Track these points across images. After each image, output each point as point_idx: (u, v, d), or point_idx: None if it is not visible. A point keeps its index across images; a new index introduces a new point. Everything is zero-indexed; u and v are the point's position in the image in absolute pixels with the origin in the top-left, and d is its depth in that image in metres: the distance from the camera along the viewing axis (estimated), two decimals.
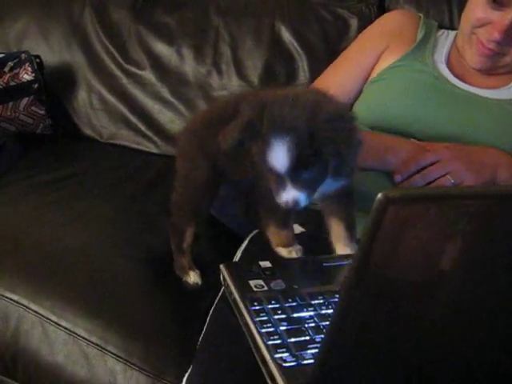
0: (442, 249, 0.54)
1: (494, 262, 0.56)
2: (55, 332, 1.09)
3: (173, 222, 1.09)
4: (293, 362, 0.70)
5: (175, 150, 1.12)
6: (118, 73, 1.72)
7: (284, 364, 0.70)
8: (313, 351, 0.72)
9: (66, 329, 1.08)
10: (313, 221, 1.02)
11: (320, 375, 0.60)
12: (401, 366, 0.62)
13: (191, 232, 1.09)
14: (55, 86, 1.74)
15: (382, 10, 1.56)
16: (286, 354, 0.71)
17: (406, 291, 0.56)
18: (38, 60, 1.66)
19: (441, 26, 1.39)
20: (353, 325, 0.57)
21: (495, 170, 1.07)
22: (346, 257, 0.95)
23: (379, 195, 0.48)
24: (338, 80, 1.32)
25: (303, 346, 0.73)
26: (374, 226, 0.49)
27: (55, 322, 1.09)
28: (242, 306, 0.80)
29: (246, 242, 1.13)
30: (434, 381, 0.64)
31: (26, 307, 1.12)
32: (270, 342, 0.73)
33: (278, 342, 0.73)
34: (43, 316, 1.10)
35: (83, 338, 1.07)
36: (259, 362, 0.73)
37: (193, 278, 1.09)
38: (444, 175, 1.05)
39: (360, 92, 1.31)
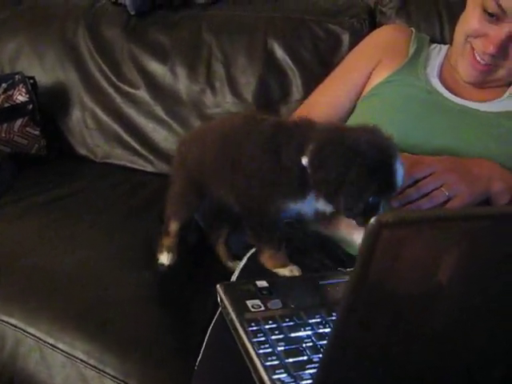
0: (437, 267, 0.54)
1: (488, 275, 0.56)
2: (53, 355, 1.09)
3: (166, 207, 1.13)
4: (291, 382, 0.70)
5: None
6: (111, 92, 1.72)
7: None
8: (311, 371, 0.72)
9: (64, 351, 1.08)
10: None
11: None
12: (401, 380, 0.62)
13: (175, 225, 1.12)
14: (49, 107, 1.74)
15: (374, 25, 1.57)
16: (283, 375, 0.71)
17: (403, 308, 0.56)
18: (31, 81, 1.67)
19: (432, 41, 1.40)
20: (351, 343, 0.57)
21: (489, 181, 1.07)
22: (342, 274, 0.95)
23: (372, 220, 0.48)
24: (329, 98, 1.31)
25: (301, 366, 0.73)
26: (368, 249, 0.49)
27: (52, 345, 1.09)
28: (239, 326, 0.79)
29: (244, 260, 1.12)
30: None
31: (23, 330, 1.11)
32: (268, 363, 0.72)
33: (276, 362, 0.73)
34: (40, 339, 1.10)
35: (81, 360, 1.07)
36: (257, 383, 0.73)
37: (164, 259, 1.12)
38: (438, 187, 1.05)
39: (352, 107, 1.31)
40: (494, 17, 1.14)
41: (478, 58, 1.19)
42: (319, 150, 0.87)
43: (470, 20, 1.19)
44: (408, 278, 0.54)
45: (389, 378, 0.61)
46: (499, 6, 1.12)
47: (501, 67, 1.20)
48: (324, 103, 1.31)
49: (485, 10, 1.15)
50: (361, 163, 0.84)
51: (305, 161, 0.88)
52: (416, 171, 1.07)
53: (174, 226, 1.12)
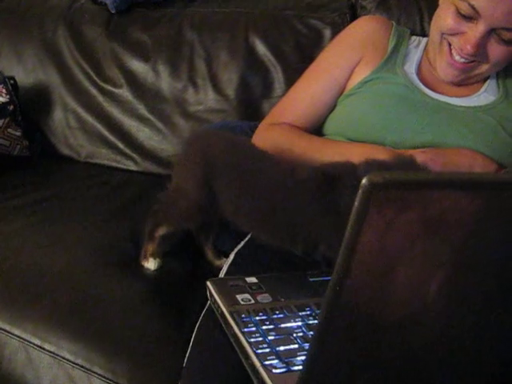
0: (434, 246, 0.50)
1: (486, 260, 0.54)
2: (39, 356, 1.07)
3: (155, 210, 1.10)
4: (283, 368, 0.70)
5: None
6: (93, 91, 1.72)
7: (274, 370, 0.70)
8: (302, 358, 0.72)
9: (50, 352, 1.06)
10: None
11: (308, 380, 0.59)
12: (386, 371, 0.61)
13: (163, 231, 1.11)
14: (31, 107, 1.73)
15: (355, 19, 1.56)
16: (275, 361, 0.71)
17: (393, 294, 0.54)
18: (12, 81, 1.65)
19: (413, 33, 1.40)
20: (338, 330, 0.55)
21: (471, 170, 1.08)
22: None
23: (363, 180, 0.42)
24: (311, 93, 1.30)
25: (292, 353, 0.73)
26: (359, 215, 0.44)
27: (39, 346, 1.07)
28: (229, 317, 0.80)
29: (231, 257, 1.12)
30: None
31: (8, 332, 1.09)
32: (260, 351, 0.73)
33: (267, 350, 0.73)
34: (26, 340, 1.08)
35: (68, 360, 1.05)
36: (249, 371, 0.73)
37: (149, 264, 1.13)
38: None
39: (333, 104, 1.30)
40: (468, 18, 1.12)
41: (456, 58, 1.18)
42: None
43: (445, 18, 1.17)
44: (398, 260, 0.51)
45: (374, 373, 0.61)
46: (472, 6, 1.10)
47: (479, 65, 1.19)
48: (305, 98, 1.30)
49: (458, 11, 1.13)
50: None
51: None
52: None
53: (161, 232, 1.10)
